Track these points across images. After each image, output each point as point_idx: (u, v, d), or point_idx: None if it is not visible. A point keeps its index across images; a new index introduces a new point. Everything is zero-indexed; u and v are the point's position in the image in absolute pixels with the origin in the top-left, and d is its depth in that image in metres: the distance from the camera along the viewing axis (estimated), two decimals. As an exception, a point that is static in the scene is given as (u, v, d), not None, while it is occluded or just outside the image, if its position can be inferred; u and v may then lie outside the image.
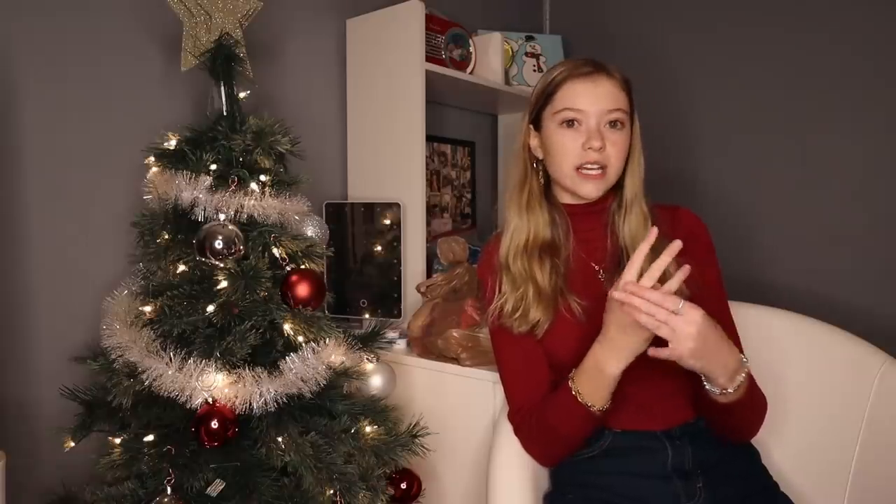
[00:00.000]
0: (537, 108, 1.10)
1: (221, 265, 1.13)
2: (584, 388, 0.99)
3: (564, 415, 1.02)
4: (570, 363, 1.04)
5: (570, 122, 1.05)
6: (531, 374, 1.09)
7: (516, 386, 1.12)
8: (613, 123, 1.04)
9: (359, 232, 1.70)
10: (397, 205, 1.66)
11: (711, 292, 1.06)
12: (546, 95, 1.08)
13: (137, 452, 1.12)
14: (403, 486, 1.33)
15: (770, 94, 1.92)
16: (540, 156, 1.12)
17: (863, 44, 1.76)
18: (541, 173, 1.13)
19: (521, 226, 1.10)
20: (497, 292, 1.10)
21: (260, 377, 1.10)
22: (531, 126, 1.12)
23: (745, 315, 1.29)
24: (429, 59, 1.70)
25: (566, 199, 1.13)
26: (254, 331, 1.13)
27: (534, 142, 1.12)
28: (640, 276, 0.92)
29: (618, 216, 1.10)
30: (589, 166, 1.04)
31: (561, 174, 1.07)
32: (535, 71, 2.16)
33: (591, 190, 1.06)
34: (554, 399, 1.04)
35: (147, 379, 1.07)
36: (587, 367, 0.98)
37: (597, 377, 0.97)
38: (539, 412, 1.06)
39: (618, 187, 1.10)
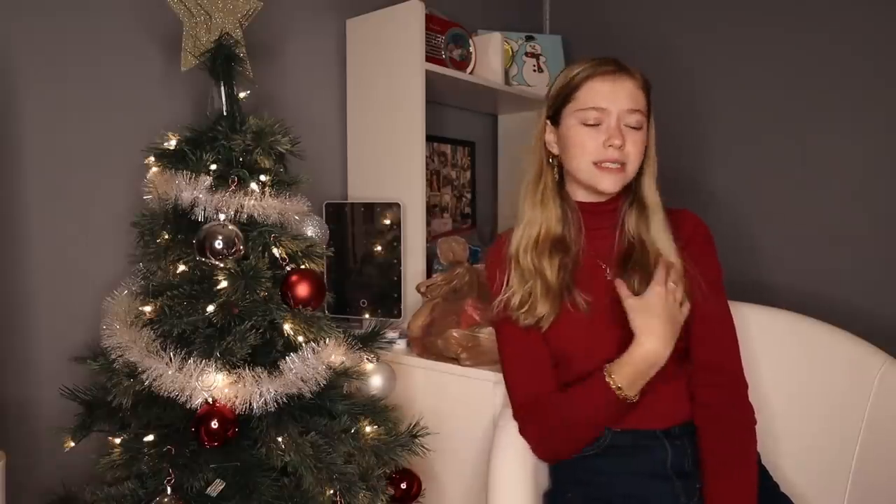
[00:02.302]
0: (557, 105, 1.10)
1: (221, 265, 1.13)
2: (621, 379, 1.00)
3: (591, 403, 1.02)
4: (573, 355, 1.06)
5: (592, 121, 1.05)
6: (535, 368, 1.09)
7: (520, 379, 1.12)
8: (634, 124, 1.05)
9: (359, 232, 1.70)
10: (397, 205, 1.66)
11: (711, 293, 1.07)
12: (567, 93, 1.08)
13: (137, 452, 1.11)
14: (403, 486, 1.33)
15: (770, 94, 1.92)
16: (556, 151, 1.12)
17: (863, 44, 1.76)
18: (556, 169, 1.13)
19: (534, 220, 1.11)
20: (505, 285, 1.11)
21: (260, 377, 1.10)
22: (548, 122, 1.12)
23: (745, 315, 1.29)
24: (429, 59, 1.70)
25: (580, 196, 1.13)
26: (254, 331, 1.13)
27: (550, 137, 1.12)
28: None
29: (629, 216, 1.10)
30: (608, 164, 1.05)
31: (578, 169, 1.08)
32: (535, 71, 2.16)
33: (609, 184, 1.06)
34: (581, 388, 1.04)
35: (147, 379, 1.07)
36: (634, 358, 0.99)
37: (640, 366, 0.99)
38: (555, 405, 1.06)
39: (630, 187, 1.11)
